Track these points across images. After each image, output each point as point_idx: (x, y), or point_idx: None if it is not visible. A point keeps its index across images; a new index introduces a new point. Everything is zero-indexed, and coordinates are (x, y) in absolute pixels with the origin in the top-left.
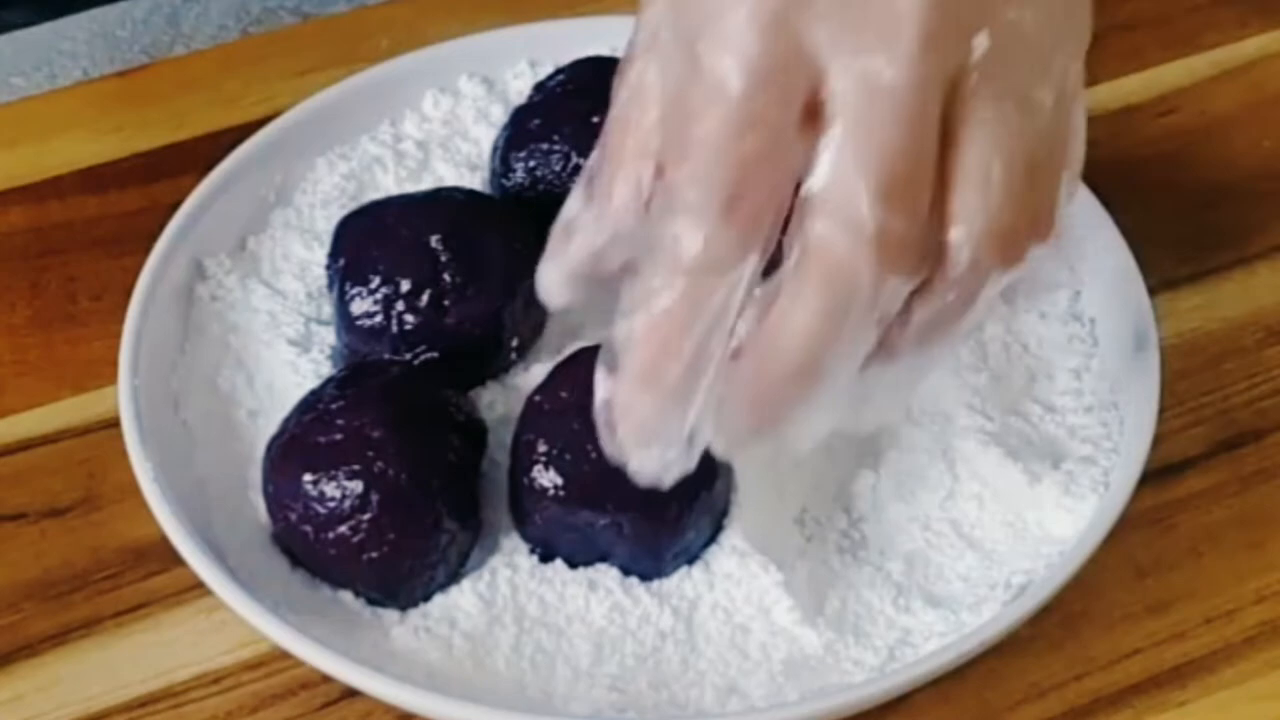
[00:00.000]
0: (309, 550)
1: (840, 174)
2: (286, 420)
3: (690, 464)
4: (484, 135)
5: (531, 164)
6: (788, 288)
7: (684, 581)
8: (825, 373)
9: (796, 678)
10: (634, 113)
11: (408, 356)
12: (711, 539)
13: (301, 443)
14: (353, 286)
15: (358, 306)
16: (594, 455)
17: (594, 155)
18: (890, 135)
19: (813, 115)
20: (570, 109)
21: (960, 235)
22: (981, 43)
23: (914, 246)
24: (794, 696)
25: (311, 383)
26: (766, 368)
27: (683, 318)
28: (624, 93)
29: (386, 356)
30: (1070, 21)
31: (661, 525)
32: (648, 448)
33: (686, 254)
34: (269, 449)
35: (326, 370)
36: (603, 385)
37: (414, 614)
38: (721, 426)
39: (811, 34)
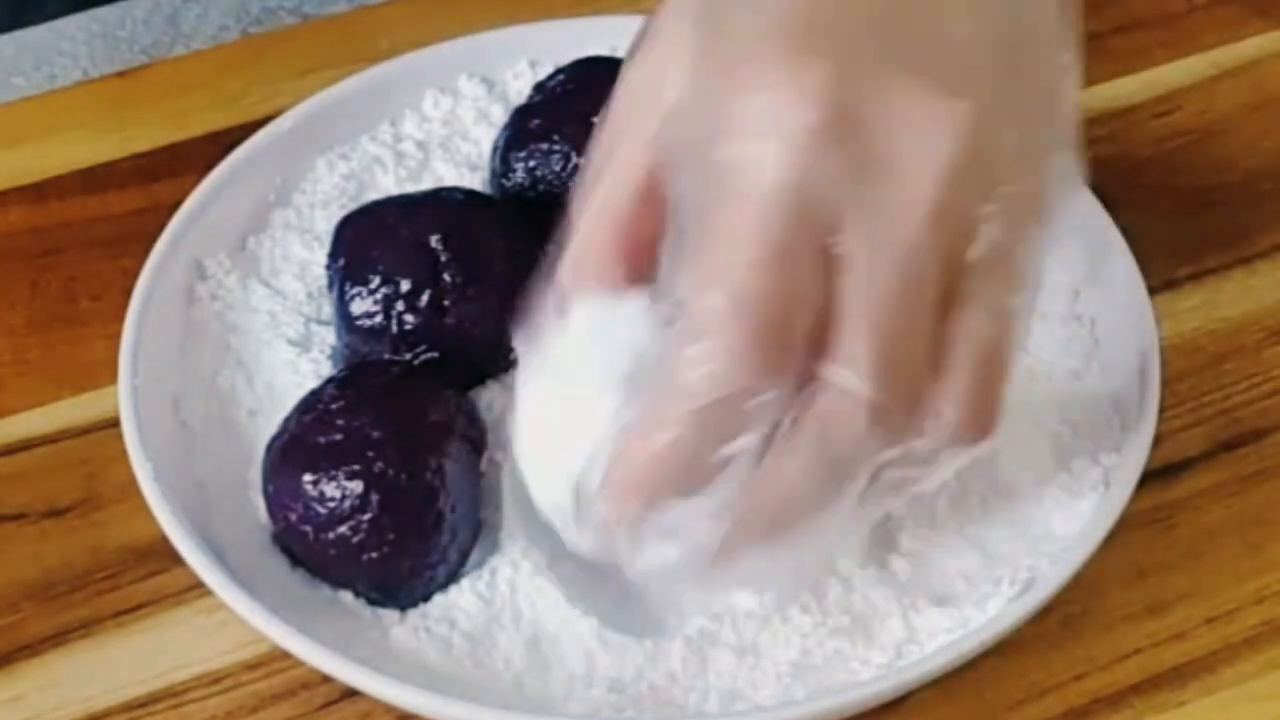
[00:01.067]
0: (309, 550)
1: (848, 338)
2: (286, 420)
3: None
4: (484, 135)
5: (531, 164)
6: (780, 445)
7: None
8: (798, 530)
9: (801, 677)
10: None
11: (408, 356)
12: None
13: (301, 443)
14: (353, 286)
15: (358, 306)
16: None
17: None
18: (896, 312)
19: (829, 260)
20: (570, 109)
21: (948, 407)
22: (991, 206)
23: (907, 419)
24: (800, 695)
25: (311, 383)
26: (743, 519)
27: (691, 451)
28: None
29: (386, 356)
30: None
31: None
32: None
33: (702, 385)
34: (269, 449)
35: (326, 370)
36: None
37: (414, 614)
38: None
39: (843, 177)
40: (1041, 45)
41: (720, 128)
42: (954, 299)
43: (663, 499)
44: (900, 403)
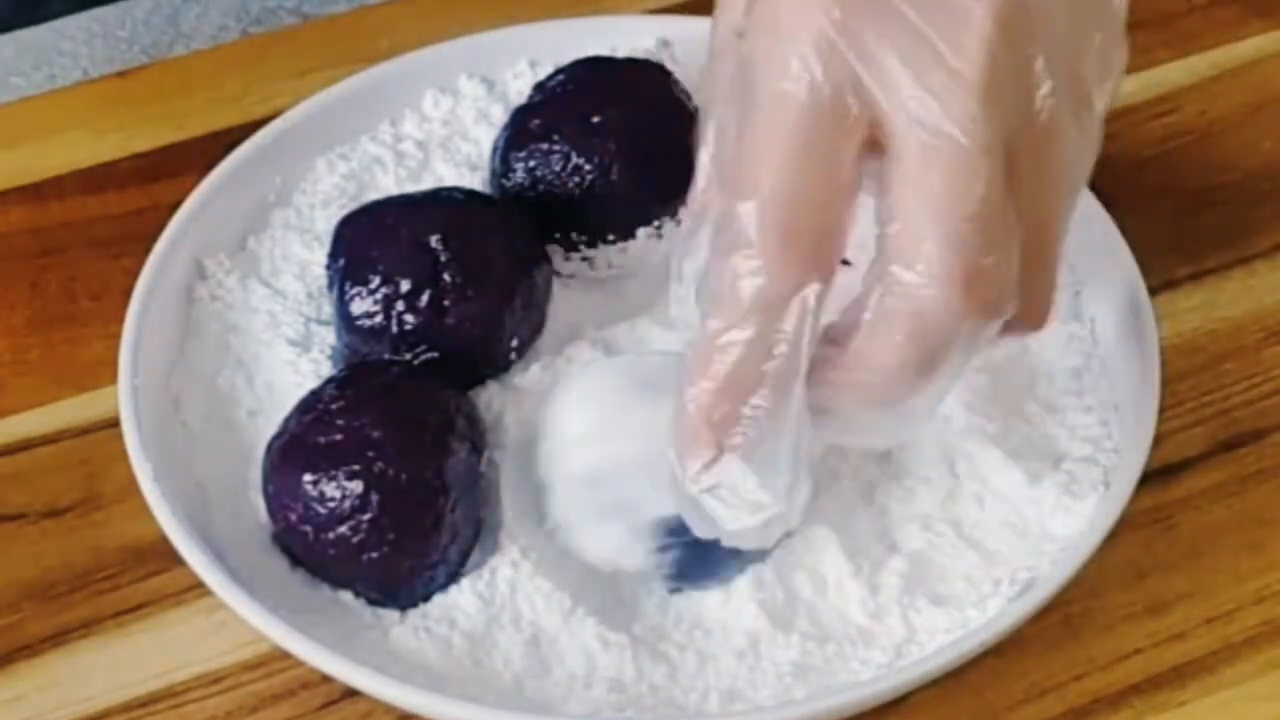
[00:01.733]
0: (309, 550)
1: (913, 220)
2: (286, 420)
3: (794, 520)
4: (484, 135)
5: (531, 164)
6: (873, 327)
7: None
8: (909, 406)
9: (801, 677)
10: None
11: (408, 356)
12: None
13: (301, 443)
14: (353, 286)
15: (358, 306)
16: None
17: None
18: (956, 185)
19: (874, 146)
20: (570, 109)
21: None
22: (1044, 87)
23: (999, 287)
24: (800, 695)
25: (311, 383)
26: (849, 399)
27: (755, 366)
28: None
29: (386, 356)
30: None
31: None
32: (741, 512)
33: (746, 292)
34: (269, 449)
35: (326, 370)
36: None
37: (414, 614)
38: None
39: (871, 69)
40: None
41: (749, 32)
42: (1018, 161)
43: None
44: (985, 264)
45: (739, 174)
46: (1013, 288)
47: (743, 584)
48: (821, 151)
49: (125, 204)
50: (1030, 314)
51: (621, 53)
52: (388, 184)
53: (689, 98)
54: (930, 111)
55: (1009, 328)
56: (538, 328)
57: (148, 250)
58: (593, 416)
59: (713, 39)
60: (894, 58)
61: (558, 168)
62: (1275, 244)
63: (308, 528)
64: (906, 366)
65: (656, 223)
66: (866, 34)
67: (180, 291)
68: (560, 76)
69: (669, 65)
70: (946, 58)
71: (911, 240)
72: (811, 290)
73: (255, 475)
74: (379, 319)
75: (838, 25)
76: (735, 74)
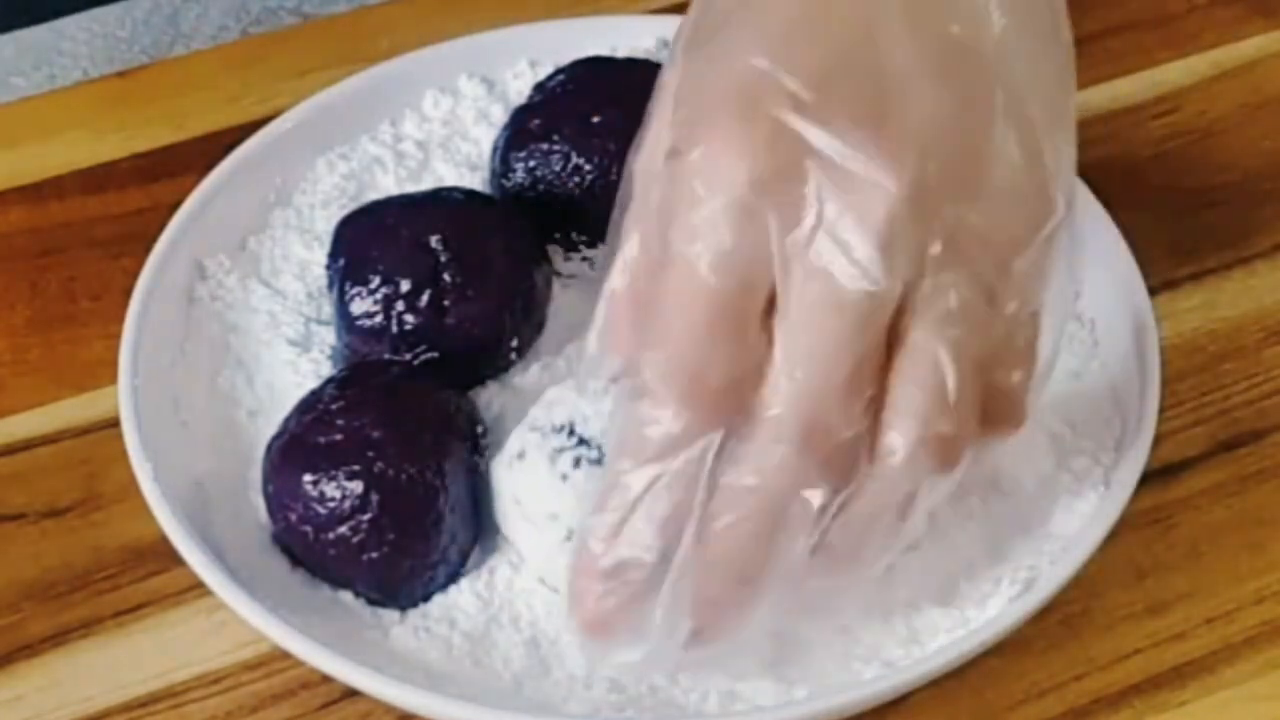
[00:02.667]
0: (309, 550)
1: (777, 384)
2: (286, 420)
3: (675, 659)
4: (484, 135)
5: (531, 164)
6: (723, 497)
7: None
8: (759, 581)
9: (802, 677)
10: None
11: (408, 357)
12: None
13: (302, 443)
14: (353, 286)
15: (358, 306)
16: None
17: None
18: (830, 348)
19: (772, 307)
20: (570, 109)
21: (895, 441)
22: (936, 248)
23: (844, 457)
24: (800, 695)
25: (311, 383)
26: (704, 578)
27: (652, 508)
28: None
29: (386, 357)
30: (1024, 210)
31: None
32: (616, 644)
33: (650, 438)
34: (269, 449)
35: (326, 370)
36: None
37: (414, 614)
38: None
39: (778, 230)
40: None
41: (669, 190)
42: (902, 337)
43: (625, 590)
44: (826, 455)
45: (647, 316)
46: (857, 453)
47: None
48: (728, 317)
49: (125, 204)
50: (939, 456)
51: (621, 53)
52: (388, 184)
53: None
54: (826, 262)
55: (913, 474)
56: (538, 328)
57: (148, 250)
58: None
59: (636, 158)
60: (800, 220)
61: (558, 168)
62: (1275, 244)
63: (308, 528)
64: (747, 532)
65: None
66: (776, 202)
67: (180, 291)
68: (560, 76)
69: None
70: (849, 214)
71: (774, 404)
72: (712, 439)
73: (255, 475)
74: (379, 319)
75: (756, 188)
76: (659, 201)
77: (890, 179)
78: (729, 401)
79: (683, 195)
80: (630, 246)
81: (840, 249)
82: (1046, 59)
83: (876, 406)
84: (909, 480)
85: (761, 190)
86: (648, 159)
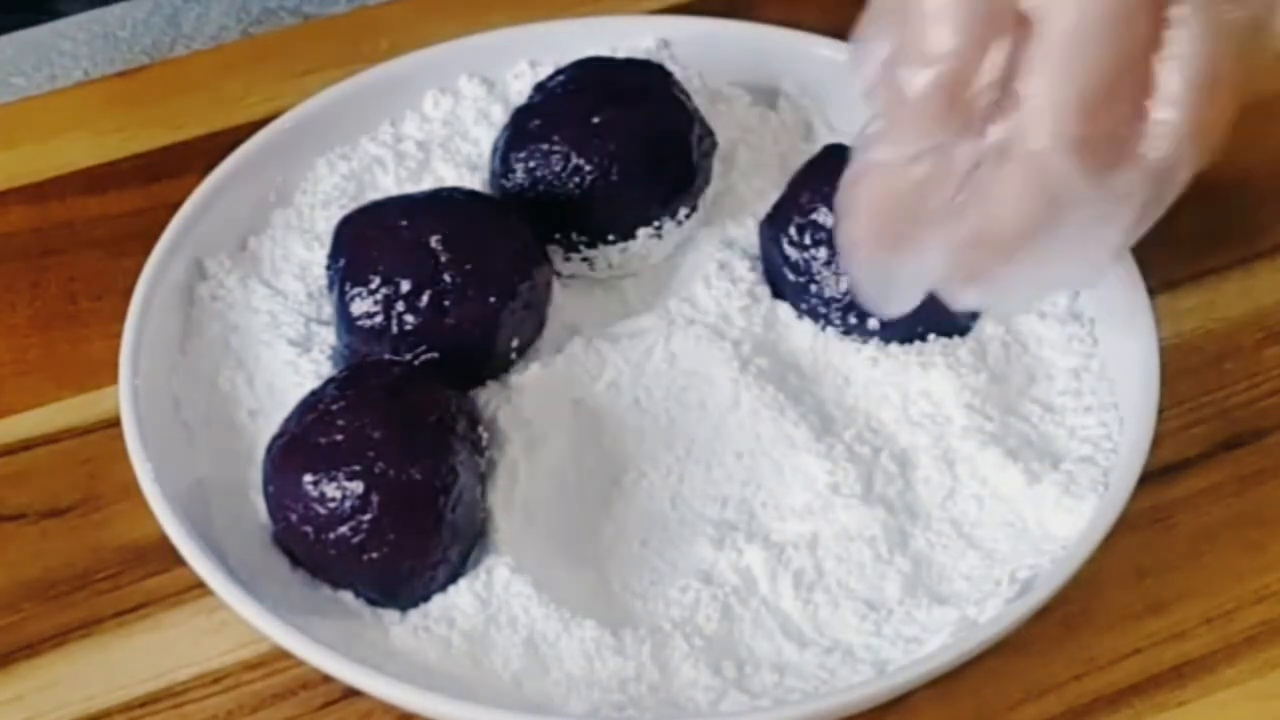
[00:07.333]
0: (309, 550)
1: (1044, 80)
2: (287, 420)
3: (911, 303)
4: (484, 135)
5: (531, 164)
6: (998, 175)
7: None
8: (1034, 252)
9: (801, 677)
10: None
11: (408, 357)
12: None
13: (302, 443)
14: (353, 287)
15: (358, 307)
16: None
17: None
18: (1093, 47)
19: (1022, 19)
20: (570, 109)
21: (1164, 121)
22: None
23: (1114, 146)
24: (799, 695)
25: (312, 383)
26: (981, 242)
27: (909, 178)
28: None
29: (387, 357)
30: None
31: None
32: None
33: (912, 93)
34: (269, 449)
35: (327, 370)
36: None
37: (414, 614)
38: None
39: None
40: None
41: None
42: (1168, 26)
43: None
44: (1103, 126)
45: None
46: (1129, 142)
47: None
48: (980, 17)
49: (125, 204)
50: (1201, 134)
51: (621, 53)
52: (388, 184)
53: (689, 98)
54: None
55: (1177, 148)
56: (538, 328)
57: (148, 250)
58: None
59: None
60: None
61: (558, 168)
62: (1275, 244)
63: (308, 528)
64: (1025, 219)
65: (656, 223)
66: None
67: (181, 291)
68: (560, 76)
69: (669, 65)
70: None
71: (1043, 99)
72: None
73: (255, 475)
74: (379, 319)
75: None
76: None
77: None
78: (983, 99)
79: None
80: None
81: None
82: None
83: (1143, 87)
84: (1172, 153)
85: None
86: None
